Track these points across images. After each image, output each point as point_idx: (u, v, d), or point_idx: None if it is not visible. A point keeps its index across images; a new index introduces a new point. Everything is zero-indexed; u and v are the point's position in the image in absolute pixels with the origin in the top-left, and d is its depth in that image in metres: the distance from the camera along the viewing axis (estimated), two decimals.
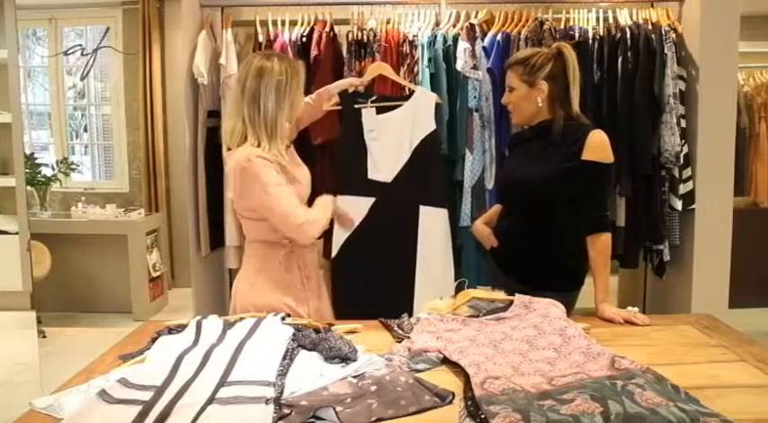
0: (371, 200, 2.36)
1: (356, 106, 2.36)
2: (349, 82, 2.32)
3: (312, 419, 1.14)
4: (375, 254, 2.34)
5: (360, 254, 2.21)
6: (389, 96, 2.45)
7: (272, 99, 1.82)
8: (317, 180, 2.78)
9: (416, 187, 2.41)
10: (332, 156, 2.69)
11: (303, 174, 1.97)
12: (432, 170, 2.46)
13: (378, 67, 2.41)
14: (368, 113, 2.37)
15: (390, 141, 2.40)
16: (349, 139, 2.39)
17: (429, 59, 2.87)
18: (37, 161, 4.71)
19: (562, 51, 1.93)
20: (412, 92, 2.44)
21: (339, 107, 2.34)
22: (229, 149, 1.88)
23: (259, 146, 1.81)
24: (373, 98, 2.41)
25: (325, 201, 1.95)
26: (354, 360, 1.37)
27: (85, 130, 5.58)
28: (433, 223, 2.42)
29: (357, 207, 2.31)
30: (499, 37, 2.87)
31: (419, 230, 2.41)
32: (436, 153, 2.54)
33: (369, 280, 2.36)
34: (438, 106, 2.87)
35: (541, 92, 1.93)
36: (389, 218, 2.39)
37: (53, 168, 4.85)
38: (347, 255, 2.39)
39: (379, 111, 2.42)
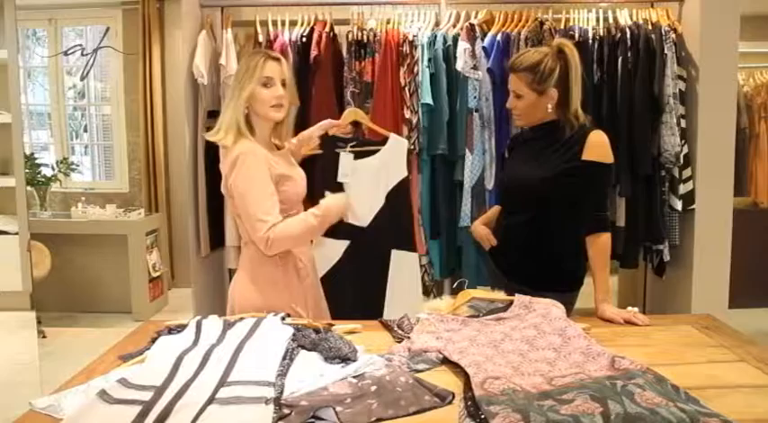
0: (346, 243, 2.38)
1: (336, 150, 2.38)
2: (329, 123, 2.31)
3: (312, 419, 1.14)
4: (345, 296, 2.37)
5: (330, 295, 2.23)
6: (368, 140, 2.46)
7: (230, 90, 1.89)
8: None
9: (390, 232, 2.44)
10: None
11: (298, 173, 1.98)
12: (404, 215, 2.49)
13: (352, 114, 2.42)
14: (345, 157, 2.40)
15: (366, 186, 2.42)
16: (327, 181, 2.41)
17: (429, 59, 2.87)
18: (37, 161, 4.72)
19: (564, 50, 1.90)
20: (386, 138, 2.45)
21: (320, 151, 2.34)
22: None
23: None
24: (353, 143, 2.42)
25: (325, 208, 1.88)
26: (354, 360, 1.37)
27: (85, 130, 5.58)
28: (403, 267, 2.45)
29: (332, 249, 2.34)
30: (499, 37, 2.87)
31: (390, 273, 2.44)
32: (408, 199, 2.58)
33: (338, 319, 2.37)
34: (438, 106, 2.88)
35: (551, 99, 1.91)
36: (362, 261, 2.43)
37: (53, 168, 4.85)
38: None
39: (357, 156, 2.44)
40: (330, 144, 2.33)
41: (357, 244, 2.39)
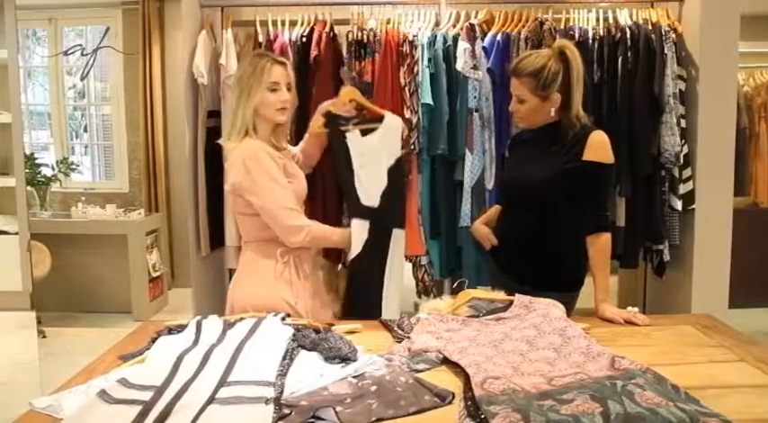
0: (367, 223, 2.39)
1: (341, 129, 2.37)
2: (326, 103, 2.29)
3: (312, 419, 1.14)
4: (373, 277, 2.38)
5: (361, 277, 2.27)
6: (367, 118, 2.44)
7: (236, 94, 1.93)
8: (318, 184, 2.79)
9: (392, 211, 2.45)
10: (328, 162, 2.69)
11: (301, 174, 2.04)
12: (400, 194, 2.52)
13: (350, 92, 2.41)
14: (353, 137, 2.36)
15: (373, 165, 2.42)
16: (340, 163, 2.41)
17: (429, 59, 2.87)
18: (37, 161, 4.71)
19: (565, 53, 1.89)
20: (382, 116, 2.44)
21: (325, 129, 2.32)
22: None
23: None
24: (354, 121, 2.41)
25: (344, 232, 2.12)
26: (354, 360, 1.37)
27: (85, 130, 5.58)
28: (398, 245, 2.47)
29: (362, 230, 2.35)
30: (499, 37, 2.87)
31: (389, 252, 2.46)
32: (404, 178, 2.60)
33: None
34: (438, 106, 2.88)
35: (554, 103, 1.91)
36: (377, 240, 2.44)
37: (53, 168, 4.85)
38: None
39: (362, 133, 2.42)
40: (334, 123, 2.33)
41: (373, 224, 2.41)
